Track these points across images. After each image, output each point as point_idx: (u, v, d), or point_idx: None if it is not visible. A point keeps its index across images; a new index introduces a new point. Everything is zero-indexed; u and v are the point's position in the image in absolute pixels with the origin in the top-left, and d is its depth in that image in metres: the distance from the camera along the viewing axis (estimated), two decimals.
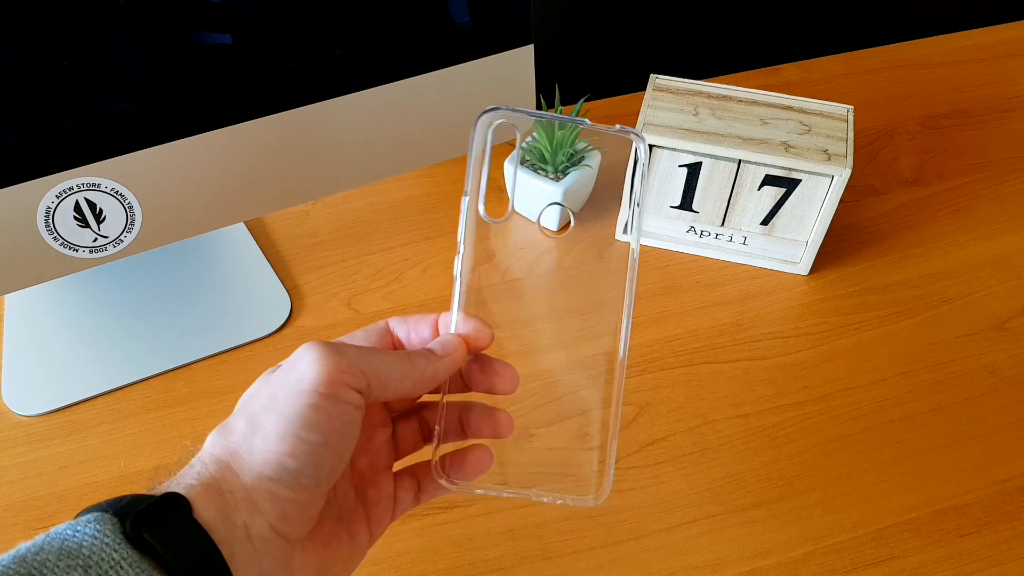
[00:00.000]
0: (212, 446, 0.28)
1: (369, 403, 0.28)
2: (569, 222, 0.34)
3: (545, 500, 0.31)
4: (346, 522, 0.30)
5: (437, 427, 0.31)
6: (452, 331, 0.31)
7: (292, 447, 0.26)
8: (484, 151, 0.31)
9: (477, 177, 0.31)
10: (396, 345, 0.32)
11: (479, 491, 0.31)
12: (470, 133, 0.31)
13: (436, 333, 0.31)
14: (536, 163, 0.58)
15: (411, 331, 0.32)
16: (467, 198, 0.31)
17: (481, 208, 0.31)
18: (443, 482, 0.30)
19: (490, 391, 0.31)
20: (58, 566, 0.22)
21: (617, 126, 0.31)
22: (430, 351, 0.30)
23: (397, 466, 0.33)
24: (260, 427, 0.27)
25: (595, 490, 0.31)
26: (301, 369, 0.27)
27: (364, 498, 0.31)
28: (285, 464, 0.26)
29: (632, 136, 0.31)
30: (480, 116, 0.31)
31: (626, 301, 0.31)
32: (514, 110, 0.31)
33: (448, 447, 0.31)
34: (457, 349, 0.30)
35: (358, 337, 0.31)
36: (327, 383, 0.27)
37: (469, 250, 0.31)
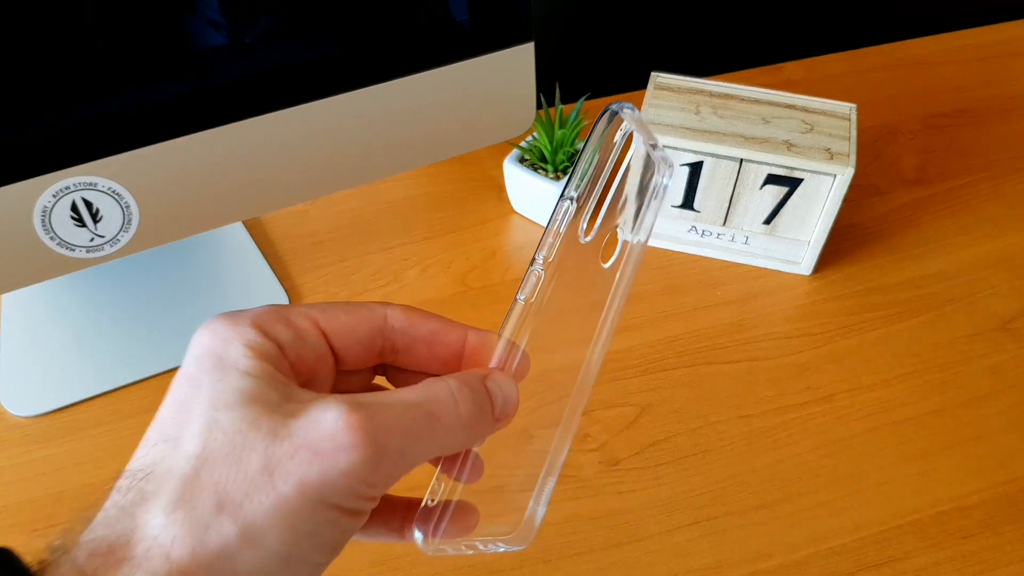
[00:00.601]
0: (173, 542, 0.19)
1: None
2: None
3: (488, 549, 0.25)
4: None
5: (439, 478, 0.24)
6: (494, 362, 0.24)
7: (294, 571, 0.20)
8: (608, 157, 0.24)
9: (589, 186, 0.24)
10: (384, 350, 0.24)
11: (450, 551, 0.24)
12: (593, 130, 0.25)
13: (459, 358, 0.25)
14: (536, 162, 0.57)
15: (419, 342, 0.24)
16: (571, 205, 0.25)
17: (582, 224, 0.25)
18: (418, 532, 0.24)
19: None
20: None
21: (659, 153, 0.26)
22: (487, 407, 0.23)
23: None
24: (258, 542, 0.19)
25: (514, 529, 0.25)
26: (328, 466, 0.19)
27: None
28: None
29: (662, 164, 0.25)
30: (610, 116, 0.25)
31: (606, 317, 0.26)
32: (640, 120, 0.25)
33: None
34: (515, 410, 0.24)
35: (341, 320, 0.23)
36: (355, 497, 0.20)
37: (552, 267, 0.25)
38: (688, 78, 0.56)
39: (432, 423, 0.21)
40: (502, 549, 0.25)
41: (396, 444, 0.20)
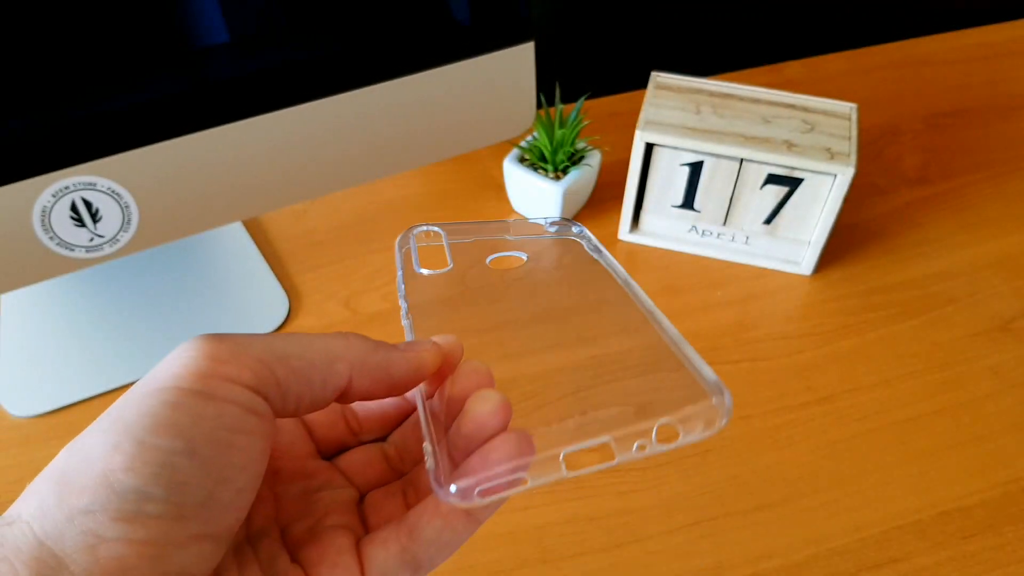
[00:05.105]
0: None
1: (295, 413, 0.20)
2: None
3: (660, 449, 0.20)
4: None
5: (427, 429, 0.22)
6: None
7: (130, 458, 0.16)
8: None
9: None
10: (350, 422, 0.26)
11: (529, 482, 0.20)
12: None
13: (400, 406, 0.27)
14: (536, 162, 0.57)
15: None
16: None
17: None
18: (454, 496, 0.20)
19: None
20: None
21: (554, 227, 0.30)
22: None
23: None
24: (79, 446, 0.17)
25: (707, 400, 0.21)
26: (161, 366, 0.19)
27: (303, 561, 0.21)
28: (115, 483, 0.16)
29: (575, 235, 0.29)
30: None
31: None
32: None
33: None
34: (454, 350, 0.24)
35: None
36: (198, 376, 0.18)
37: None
38: (688, 78, 0.56)
39: (305, 335, 0.21)
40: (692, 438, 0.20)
41: (251, 338, 0.20)
